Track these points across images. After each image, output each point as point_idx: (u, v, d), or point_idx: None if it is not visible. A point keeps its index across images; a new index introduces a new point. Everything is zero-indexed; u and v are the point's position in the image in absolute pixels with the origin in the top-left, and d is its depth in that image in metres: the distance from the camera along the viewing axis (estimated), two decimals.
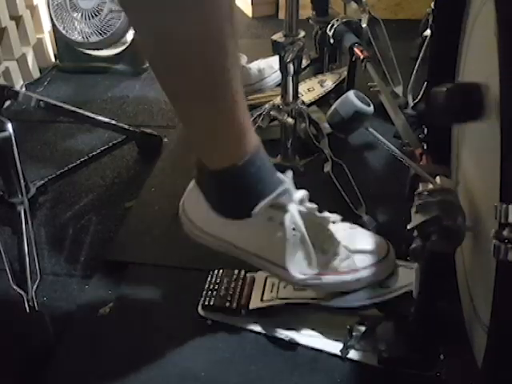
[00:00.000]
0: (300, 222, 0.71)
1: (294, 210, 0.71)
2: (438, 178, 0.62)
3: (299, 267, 0.73)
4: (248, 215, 0.70)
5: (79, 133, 1.29)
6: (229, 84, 0.64)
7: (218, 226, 0.73)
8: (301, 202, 0.73)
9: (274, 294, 0.78)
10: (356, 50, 1.16)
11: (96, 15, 1.51)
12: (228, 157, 0.68)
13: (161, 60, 0.63)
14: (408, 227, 0.60)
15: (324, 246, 0.74)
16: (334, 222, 0.77)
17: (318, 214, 0.75)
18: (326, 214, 0.77)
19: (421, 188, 0.61)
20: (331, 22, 1.24)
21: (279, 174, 0.71)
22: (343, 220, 0.79)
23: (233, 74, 0.63)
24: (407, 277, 0.74)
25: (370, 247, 0.76)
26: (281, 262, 0.72)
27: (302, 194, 0.73)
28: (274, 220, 0.71)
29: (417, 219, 0.59)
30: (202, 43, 0.60)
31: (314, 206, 0.75)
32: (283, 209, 0.71)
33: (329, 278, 0.73)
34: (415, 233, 0.60)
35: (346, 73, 1.25)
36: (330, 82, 1.29)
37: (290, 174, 0.73)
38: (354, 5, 1.24)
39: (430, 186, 0.61)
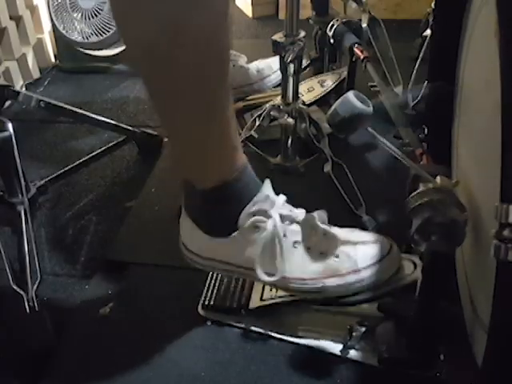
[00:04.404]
0: (283, 226, 0.71)
1: (275, 214, 0.71)
2: (438, 178, 0.62)
3: (293, 273, 0.73)
4: (236, 229, 0.71)
5: (79, 133, 1.29)
6: (227, 96, 0.65)
7: (213, 248, 0.75)
8: (283, 206, 0.73)
9: (274, 293, 0.78)
10: (356, 50, 1.16)
11: (96, 15, 1.51)
12: (219, 174, 0.69)
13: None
14: (411, 230, 0.60)
15: (321, 249, 0.74)
16: (330, 226, 0.76)
17: (307, 217, 0.75)
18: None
19: (421, 188, 0.61)
20: (331, 22, 1.24)
21: (259, 183, 0.72)
22: (343, 224, 0.79)
23: (229, 86, 0.64)
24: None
25: (371, 246, 0.75)
26: (273, 270, 0.71)
27: (282, 198, 0.74)
28: (260, 227, 0.71)
29: (417, 219, 0.59)
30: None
31: (302, 210, 0.75)
32: (266, 214, 0.71)
33: (331, 281, 0.73)
34: (414, 231, 0.60)
35: (346, 73, 1.25)
36: (330, 81, 1.29)
37: (267, 181, 0.73)
38: (353, 5, 1.24)
39: (430, 186, 0.61)
